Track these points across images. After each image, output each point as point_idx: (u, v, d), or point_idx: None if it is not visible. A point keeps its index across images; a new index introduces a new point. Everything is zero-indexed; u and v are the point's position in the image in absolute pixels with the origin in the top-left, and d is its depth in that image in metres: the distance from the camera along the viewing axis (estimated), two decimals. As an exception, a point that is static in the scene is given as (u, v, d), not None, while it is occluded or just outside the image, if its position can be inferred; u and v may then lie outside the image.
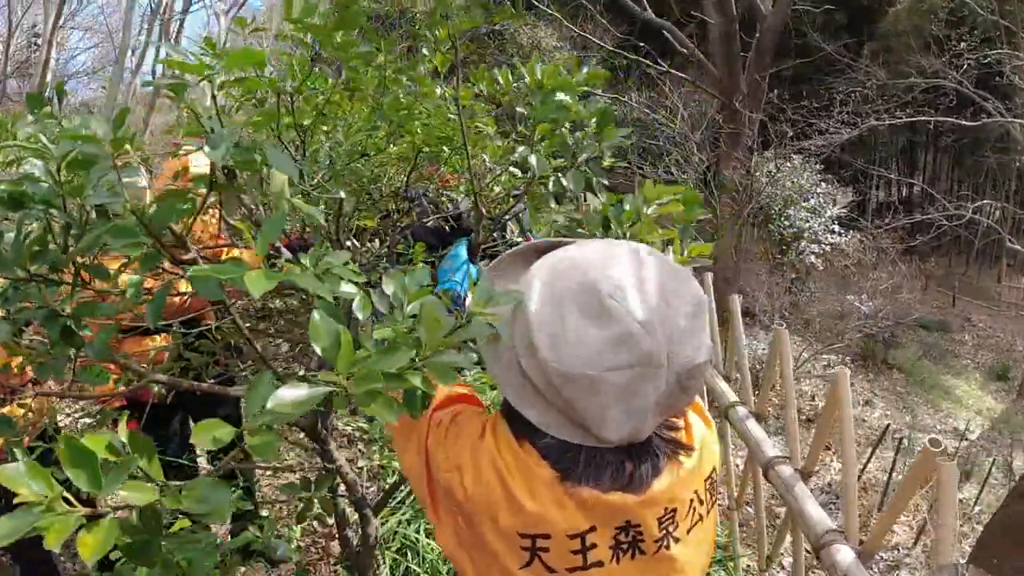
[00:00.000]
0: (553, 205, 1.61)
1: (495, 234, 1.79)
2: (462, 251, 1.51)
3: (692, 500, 0.91)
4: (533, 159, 1.34)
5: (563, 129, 1.40)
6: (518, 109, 1.44)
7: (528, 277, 0.86)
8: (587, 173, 1.37)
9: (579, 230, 1.34)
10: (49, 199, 0.89)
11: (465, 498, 0.87)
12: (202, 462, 3.07)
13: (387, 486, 3.44)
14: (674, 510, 0.89)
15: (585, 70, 1.42)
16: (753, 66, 10.47)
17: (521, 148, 1.35)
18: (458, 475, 0.87)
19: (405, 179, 1.97)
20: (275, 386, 0.71)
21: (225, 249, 2.20)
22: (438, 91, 1.65)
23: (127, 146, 1.84)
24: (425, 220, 3.07)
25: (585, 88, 1.37)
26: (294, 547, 3.23)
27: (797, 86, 13.78)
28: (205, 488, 0.73)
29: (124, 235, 0.91)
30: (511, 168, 1.99)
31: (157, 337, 2.39)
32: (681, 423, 0.93)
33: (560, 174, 1.36)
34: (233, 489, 2.69)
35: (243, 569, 3.13)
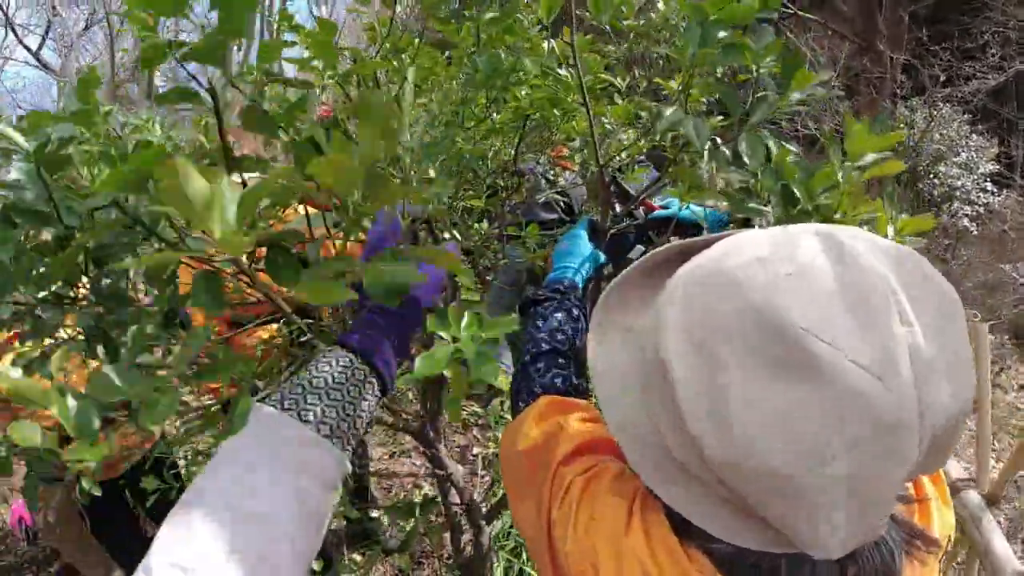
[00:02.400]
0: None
1: (619, 212, 1.52)
2: (583, 232, 1.26)
3: None
4: (690, 125, 0.99)
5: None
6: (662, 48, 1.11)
7: (660, 307, 0.56)
8: (765, 137, 1.02)
9: (750, 206, 1.01)
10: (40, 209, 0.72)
11: None
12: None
13: (500, 476, 3.32)
14: None
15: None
16: (890, 2, 9.35)
17: (670, 110, 1.03)
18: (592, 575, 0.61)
19: (513, 151, 1.75)
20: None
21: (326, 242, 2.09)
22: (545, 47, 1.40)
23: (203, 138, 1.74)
24: (537, 196, 2.84)
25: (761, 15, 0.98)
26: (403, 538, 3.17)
27: (934, 27, 12.27)
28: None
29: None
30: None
31: (265, 330, 2.34)
32: (912, 491, 0.63)
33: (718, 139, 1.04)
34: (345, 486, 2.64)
35: (357, 556, 3.11)
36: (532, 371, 0.93)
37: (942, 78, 8.37)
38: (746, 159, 0.98)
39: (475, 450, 3.58)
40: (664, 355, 0.53)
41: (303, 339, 1.88)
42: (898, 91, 8.83)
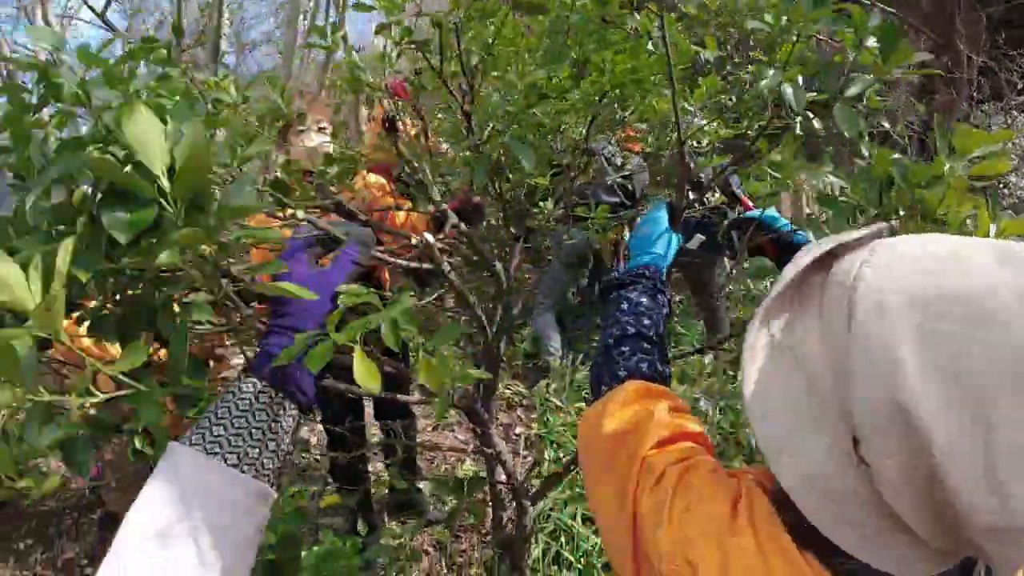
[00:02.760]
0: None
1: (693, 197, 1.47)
2: (662, 215, 1.21)
3: None
4: (788, 90, 0.96)
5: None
6: (752, 24, 1.06)
7: (876, 339, 0.50)
8: (858, 112, 0.98)
9: (841, 199, 0.98)
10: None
11: None
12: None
13: (544, 458, 3.33)
14: None
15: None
16: (968, 1, 8.90)
17: (771, 72, 0.99)
18: (689, 574, 0.57)
19: (586, 129, 1.70)
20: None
21: (391, 212, 2.09)
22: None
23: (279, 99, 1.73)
24: (605, 178, 2.78)
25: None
26: (447, 510, 3.20)
27: (1010, 31, 11.60)
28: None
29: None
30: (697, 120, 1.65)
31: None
32: None
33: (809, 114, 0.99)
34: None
35: (396, 526, 3.15)
36: (615, 354, 0.89)
37: (1020, 85, 7.95)
38: (844, 129, 0.94)
39: (518, 430, 3.58)
40: (910, 404, 0.47)
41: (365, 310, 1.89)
42: (975, 94, 8.43)
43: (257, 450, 0.66)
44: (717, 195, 1.78)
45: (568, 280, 4.44)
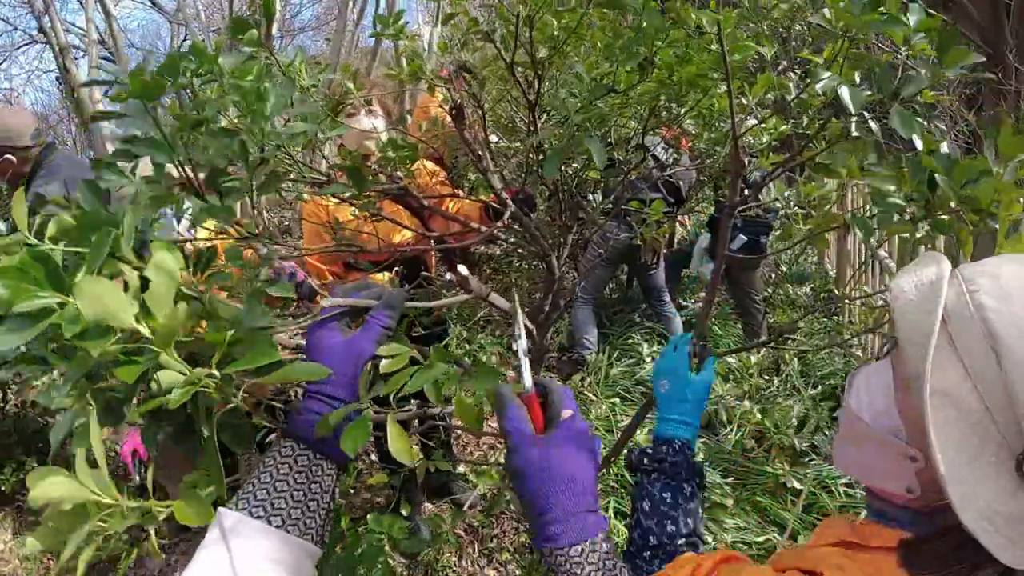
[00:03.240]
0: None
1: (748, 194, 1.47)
2: (685, 358, 1.14)
3: None
4: (845, 91, 0.97)
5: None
6: (813, 19, 1.07)
7: None
8: (915, 113, 0.99)
9: (892, 200, 0.99)
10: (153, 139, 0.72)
11: None
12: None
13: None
14: None
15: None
16: (1018, 12, 8.62)
17: (826, 73, 1.00)
18: None
19: (643, 125, 1.72)
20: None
21: (448, 198, 2.13)
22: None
23: (350, 84, 1.76)
24: (651, 174, 2.79)
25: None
26: (481, 494, 3.24)
27: None
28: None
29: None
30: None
31: (380, 276, 2.42)
32: None
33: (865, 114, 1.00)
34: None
35: (430, 505, 3.22)
36: (639, 561, 0.92)
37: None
38: (900, 131, 0.95)
39: (551, 421, 3.62)
40: None
41: (410, 291, 1.93)
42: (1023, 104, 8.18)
43: (299, 510, 0.70)
44: (772, 195, 1.78)
45: (608, 275, 4.44)
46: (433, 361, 0.77)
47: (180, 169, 0.73)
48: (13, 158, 2.86)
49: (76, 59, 9.26)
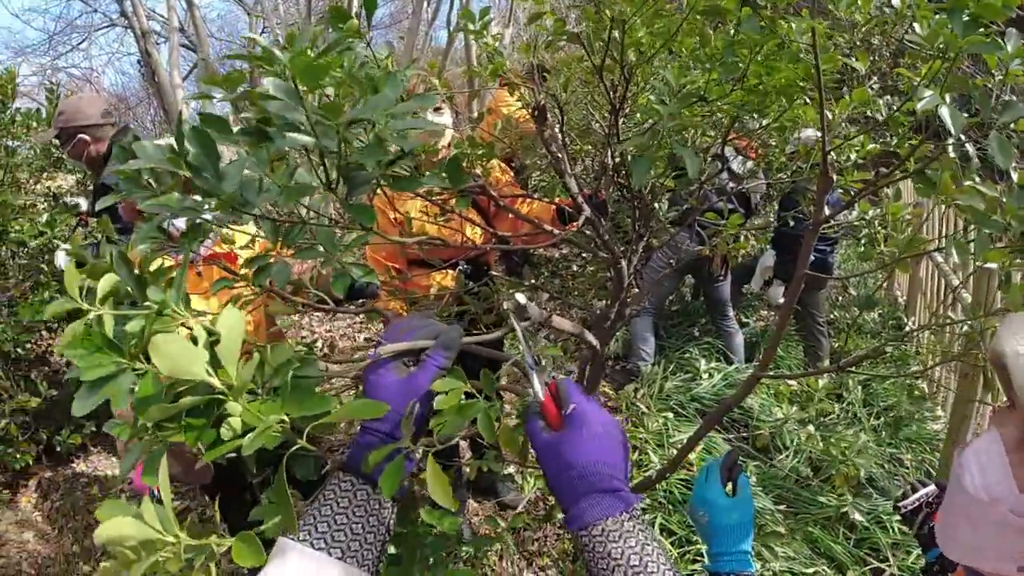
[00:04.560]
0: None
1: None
2: (713, 484, 1.14)
3: None
4: (946, 112, 0.93)
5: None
6: (909, 36, 1.02)
7: None
8: (1014, 141, 0.95)
9: (994, 219, 0.94)
10: (295, 123, 0.70)
11: None
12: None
13: (631, 460, 3.30)
14: None
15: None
16: None
17: (928, 92, 0.96)
18: None
19: (723, 134, 1.68)
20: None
21: (520, 199, 2.13)
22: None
23: (435, 80, 1.77)
24: (721, 183, 2.73)
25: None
26: (524, 497, 3.24)
27: None
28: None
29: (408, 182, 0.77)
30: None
31: (442, 275, 2.44)
32: None
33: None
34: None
35: (475, 504, 3.22)
36: None
37: None
38: (998, 159, 0.90)
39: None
40: None
41: (474, 289, 1.93)
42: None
43: (357, 543, 0.73)
44: (854, 212, 1.71)
45: (674, 286, 4.35)
46: (483, 392, 0.81)
47: (317, 160, 0.73)
48: (87, 137, 2.96)
49: (157, 44, 9.60)
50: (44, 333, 3.22)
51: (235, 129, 0.70)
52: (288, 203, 0.70)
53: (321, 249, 0.76)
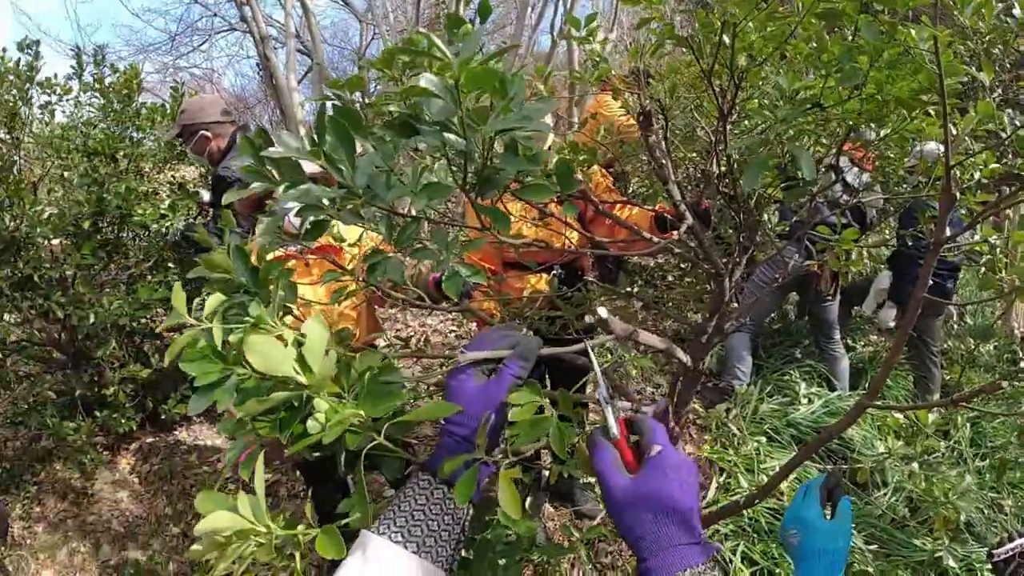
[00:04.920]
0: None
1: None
2: (812, 503, 1.09)
3: None
4: None
5: None
6: None
7: None
8: None
9: None
10: (447, 122, 0.73)
11: None
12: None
13: (716, 483, 3.20)
14: None
15: None
16: None
17: None
18: None
19: (838, 144, 1.59)
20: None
21: (619, 205, 2.09)
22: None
23: (541, 86, 1.76)
24: (834, 195, 2.60)
25: None
26: (602, 508, 3.18)
27: None
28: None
29: (538, 190, 0.77)
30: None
31: (536, 278, 2.44)
32: None
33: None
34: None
35: (551, 508, 3.20)
36: None
37: None
38: None
39: (688, 449, 3.47)
40: None
41: (568, 294, 1.91)
42: None
43: (433, 539, 0.76)
44: (976, 236, 1.58)
45: (777, 303, 4.16)
46: (560, 408, 0.83)
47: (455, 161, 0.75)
48: (208, 133, 3.15)
49: (275, 48, 10.13)
50: (160, 310, 3.45)
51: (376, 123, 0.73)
52: (422, 202, 0.72)
53: (435, 249, 0.78)
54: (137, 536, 3.21)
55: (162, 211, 3.39)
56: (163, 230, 3.40)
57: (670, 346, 1.16)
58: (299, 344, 0.75)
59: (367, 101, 1.17)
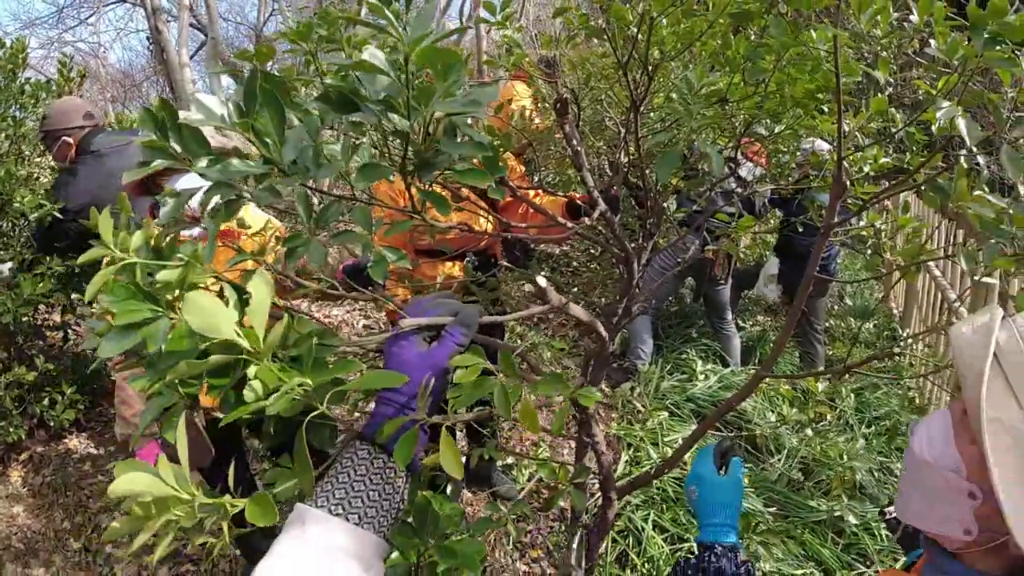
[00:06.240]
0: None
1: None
2: (706, 461, 1.22)
3: None
4: (963, 124, 0.96)
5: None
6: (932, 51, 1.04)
7: None
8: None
9: (1003, 227, 0.97)
10: (392, 100, 0.69)
11: None
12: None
13: (625, 457, 3.34)
14: None
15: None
16: None
17: (945, 104, 0.98)
18: None
19: (737, 138, 1.69)
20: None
21: (533, 192, 2.13)
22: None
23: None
24: (727, 185, 2.74)
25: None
26: (520, 490, 3.26)
27: None
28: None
29: (476, 175, 0.76)
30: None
31: (450, 264, 2.45)
32: None
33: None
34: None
35: (468, 493, 3.24)
36: None
37: None
38: (1009, 172, 0.93)
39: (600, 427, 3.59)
40: None
41: (482, 279, 1.94)
42: None
43: (374, 509, 0.75)
44: (862, 222, 1.73)
45: (676, 286, 4.37)
46: (502, 371, 0.82)
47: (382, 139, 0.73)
48: (70, 139, 2.98)
49: (168, 22, 9.55)
50: (42, 307, 3.21)
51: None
52: (360, 184, 0.70)
53: (358, 232, 0.76)
54: (38, 552, 3.02)
55: (40, 200, 3.14)
56: (43, 219, 3.15)
57: (593, 320, 1.22)
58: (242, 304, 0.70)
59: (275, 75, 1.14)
